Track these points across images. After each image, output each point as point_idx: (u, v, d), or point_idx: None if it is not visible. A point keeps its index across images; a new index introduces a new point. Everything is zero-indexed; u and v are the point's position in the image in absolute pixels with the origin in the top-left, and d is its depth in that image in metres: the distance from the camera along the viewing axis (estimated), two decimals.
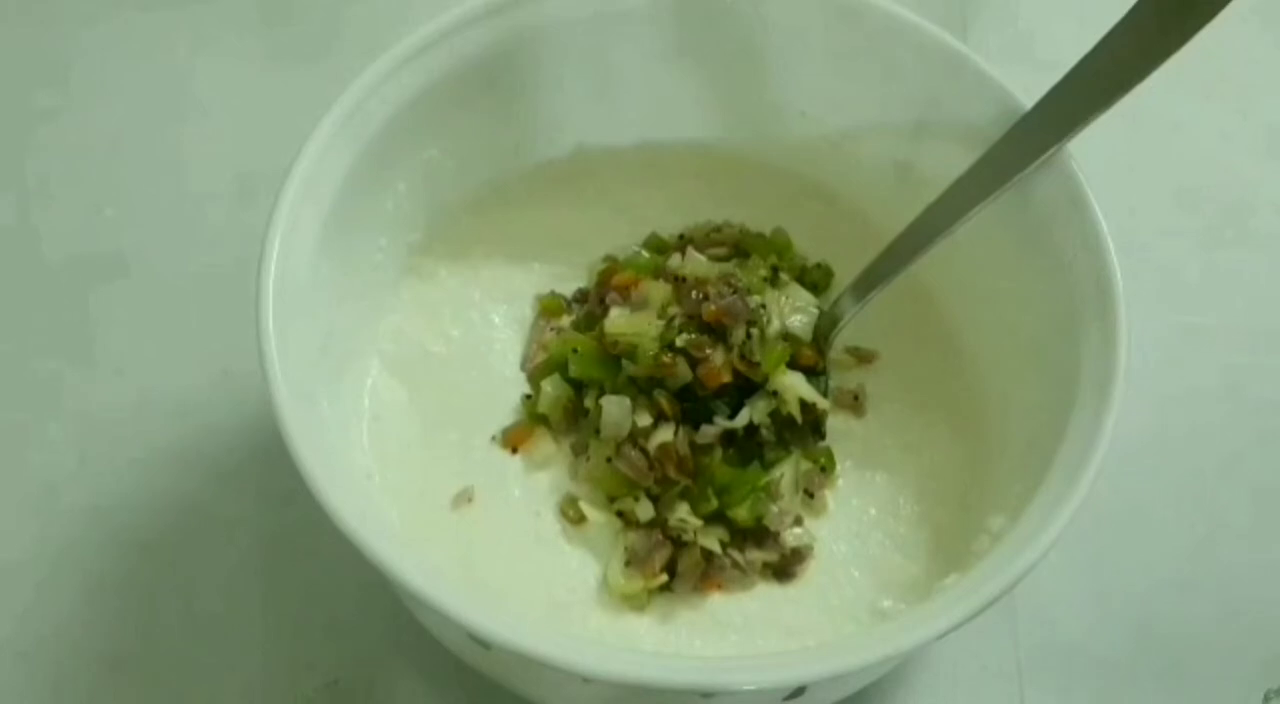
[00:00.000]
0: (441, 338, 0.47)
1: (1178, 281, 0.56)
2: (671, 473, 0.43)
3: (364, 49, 0.42)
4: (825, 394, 0.46)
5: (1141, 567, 0.49)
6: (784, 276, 0.48)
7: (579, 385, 0.45)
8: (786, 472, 0.44)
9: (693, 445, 0.43)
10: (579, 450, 0.45)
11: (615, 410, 0.43)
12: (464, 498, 0.44)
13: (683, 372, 0.44)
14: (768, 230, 0.49)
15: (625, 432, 0.43)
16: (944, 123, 0.45)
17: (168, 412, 0.50)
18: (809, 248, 0.49)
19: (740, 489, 0.43)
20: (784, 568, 0.43)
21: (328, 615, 0.47)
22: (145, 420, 0.50)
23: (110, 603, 0.47)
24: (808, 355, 0.46)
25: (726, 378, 0.44)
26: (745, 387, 0.44)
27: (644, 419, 0.43)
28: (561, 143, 0.49)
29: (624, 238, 0.49)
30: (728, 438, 0.44)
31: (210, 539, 0.48)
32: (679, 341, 0.44)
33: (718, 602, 0.43)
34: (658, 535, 0.43)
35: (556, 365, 0.46)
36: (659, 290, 0.46)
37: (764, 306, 0.45)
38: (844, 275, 0.47)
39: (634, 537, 0.43)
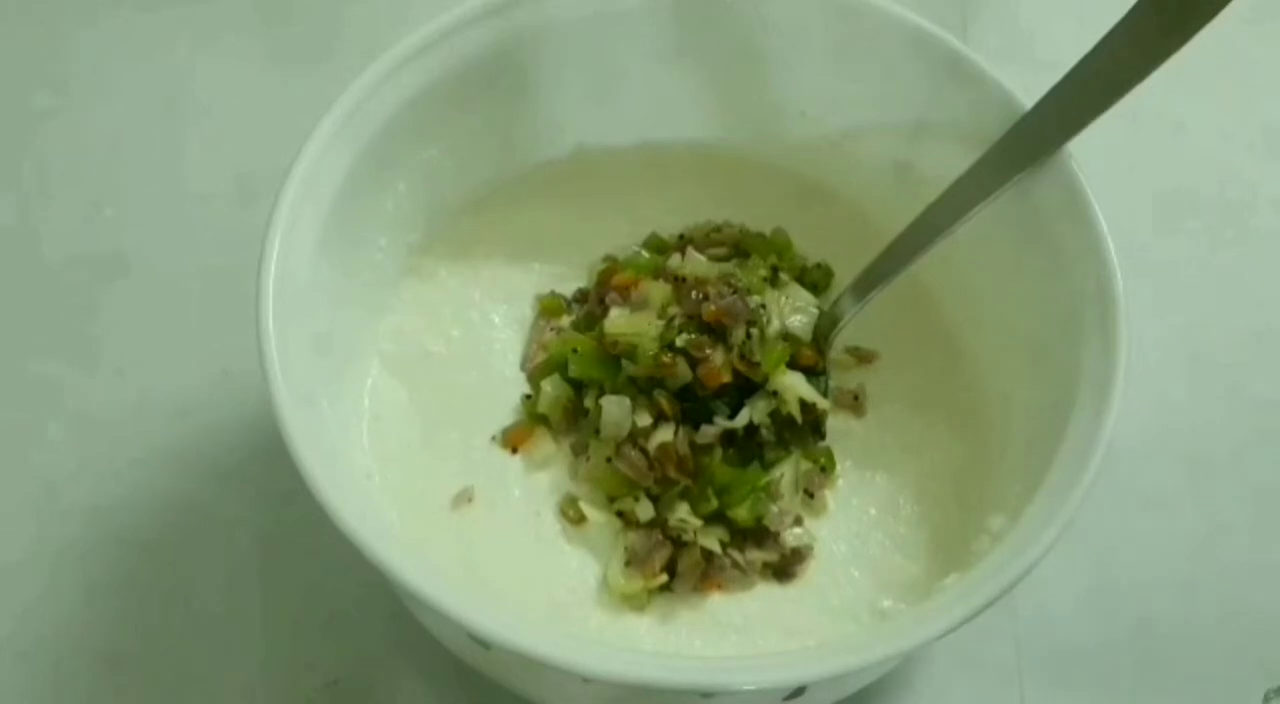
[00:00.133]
0: (441, 338, 0.47)
1: (1178, 281, 0.56)
2: (671, 473, 0.43)
3: (364, 49, 0.42)
4: (825, 394, 0.46)
5: (1141, 566, 0.49)
6: (784, 276, 0.48)
7: (579, 385, 0.45)
8: (786, 472, 0.44)
9: (693, 445, 0.43)
10: (579, 450, 0.45)
11: (615, 410, 0.43)
12: (464, 498, 0.44)
13: (683, 372, 0.43)
14: (768, 230, 0.49)
15: (625, 432, 0.43)
16: (944, 123, 0.45)
17: (168, 412, 0.51)
18: (809, 248, 0.49)
19: (740, 489, 0.43)
20: (784, 568, 0.43)
21: (328, 615, 0.47)
22: (145, 420, 0.50)
23: (110, 602, 0.47)
24: (808, 355, 0.46)
25: (726, 378, 0.44)
26: (745, 386, 0.44)
27: (644, 419, 0.43)
28: (561, 143, 0.49)
29: (624, 238, 0.49)
30: (728, 438, 0.44)
31: (210, 539, 0.48)
32: (679, 341, 0.44)
33: (718, 602, 0.43)
34: (658, 535, 0.43)
35: (556, 365, 0.46)
36: (659, 290, 0.46)
37: (764, 306, 0.45)
38: (844, 275, 0.47)
39: (634, 537, 0.43)
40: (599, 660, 0.33)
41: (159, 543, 0.48)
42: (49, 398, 0.51)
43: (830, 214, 0.50)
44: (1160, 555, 0.49)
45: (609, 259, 0.49)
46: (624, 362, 0.44)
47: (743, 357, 0.44)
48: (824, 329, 0.46)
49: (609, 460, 0.43)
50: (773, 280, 0.47)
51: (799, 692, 0.36)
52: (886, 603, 0.42)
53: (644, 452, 0.43)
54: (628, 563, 0.42)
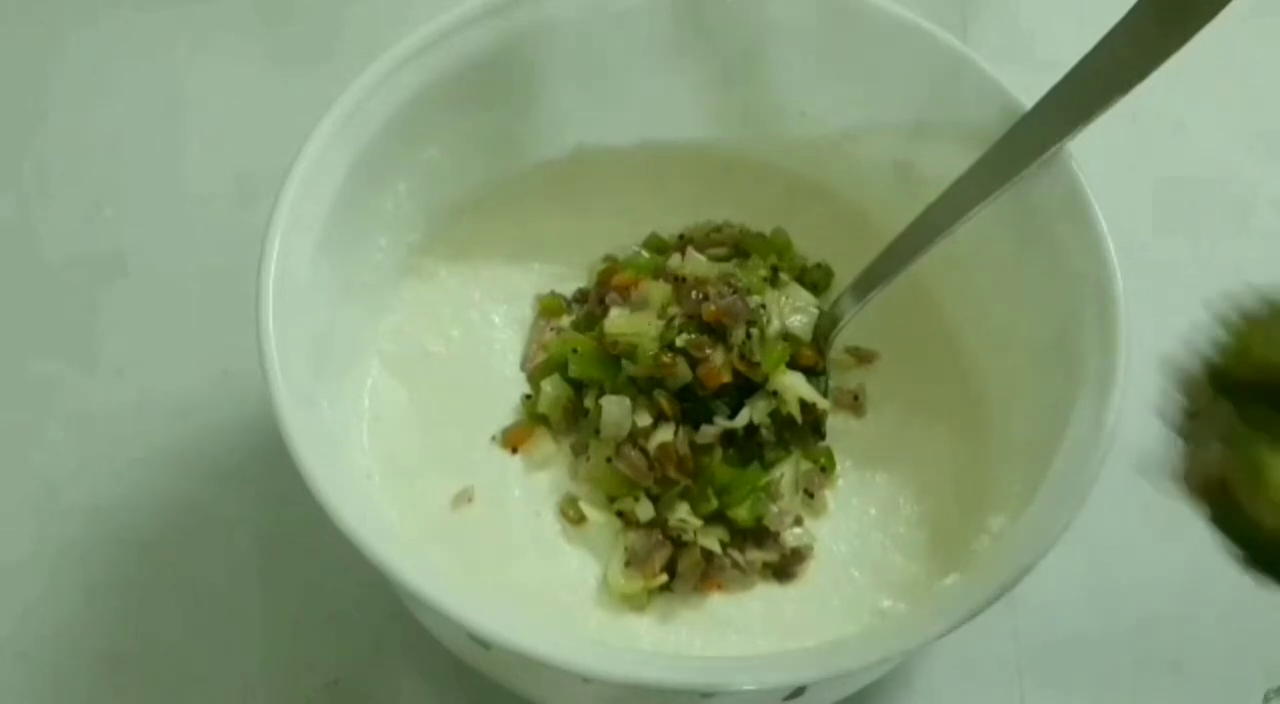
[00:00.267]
0: (441, 338, 0.47)
1: (1178, 281, 0.56)
2: (671, 473, 0.43)
3: (364, 49, 0.42)
4: (825, 394, 0.46)
5: (1141, 566, 0.49)
6: (784, 276, 0.48)
7: (579, 385, 0.45)
8: (786, 472, 0.44)
9: (693, 445, 0.43)
10: (579, 450, 0.45)
11: (615, 410, 0.43)
12: (464, 498, 0.44)
13: (683, 372, 0.43)
14: (768, 230, 0.49)
15: (625, 432, 0.43)
16: (944, 123, 0.45)
17: (168, 412, 0.51)
18: (809, 248, 0.49)
19: (740, 489, 0.43)
20: (784, 568, 0.43)
21: (328, 615, 0.47)
22: (145, 420, 0.50)
23: (110, 602, 0.47)
24: (808, 355, 0.46)
25: (726, 378, 0.44)
26: (745, 386, 0.44)
27: (644, 419, 0.43)
28: (561, 143, 0.49)
29: (624, 238, 0.49)
30: (728, 438, 0.44)
31: (210, 539, 0.48)
32: (679, 342, 0.44)
33: (718, 602, 0.43)
34: (658, 535, 0.43)
35: (556, 365, 0.46)
36: (659, 290, 0.46)
37: (764, 306, 0.45)
38: (844, 275, 0.47)
39: (634, 537, 0.43)
40: (599, 660, 0.33)
41: (159, 543, 0.48)
42: (49, 398, 0.51)
43: (830, 214, 0.50)
44: (1160, 555, 0.49)
45: (609, 259, 0.49)
46: (624, 361, 0.44)
47: (743, 356, 0.44)
48: (824, 329, 0.46)
49: (609, 460, 0.43)
50: (773, 280, 0.47)
51: (799, 692, 0.36)
52: (886, 603, 0.42)
53: (644, 452, 0.43)
54: (628, 563, 0.42)
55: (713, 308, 0.44)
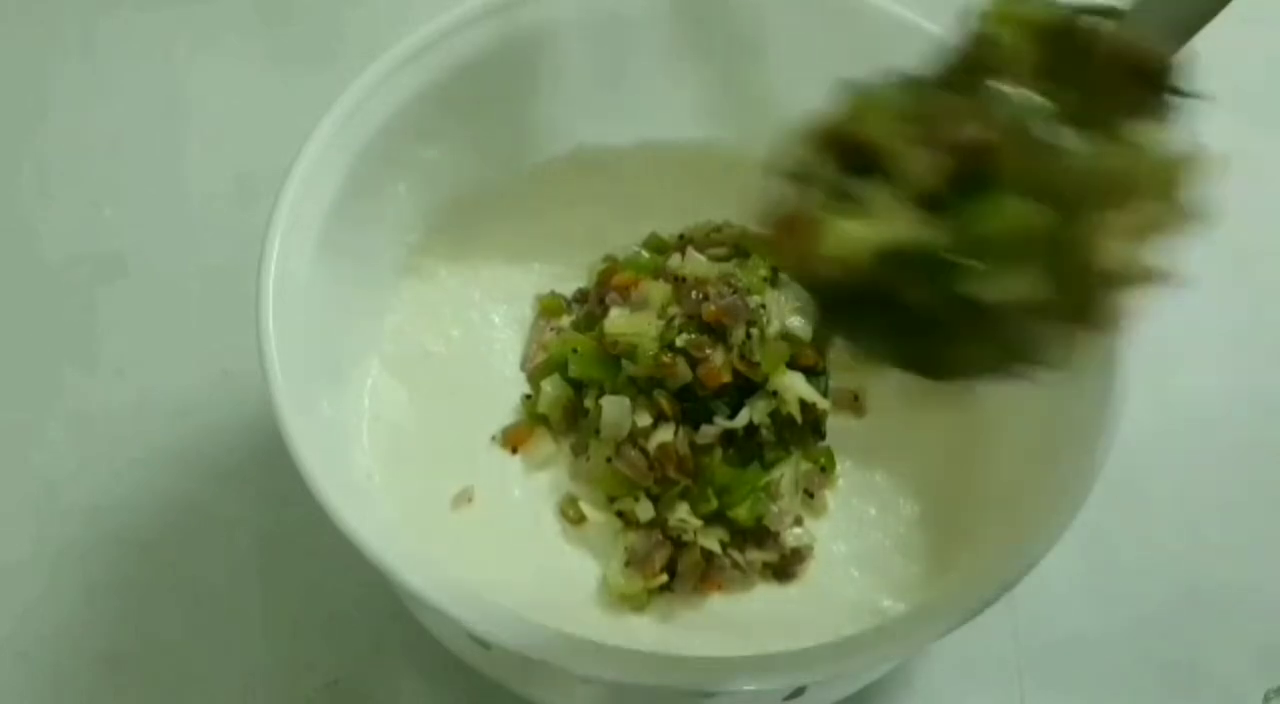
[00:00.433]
0: (441, 338, 0.47)
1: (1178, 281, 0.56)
2: (671, 473, 0.43)
3: (364, 50, 0.42)
4: (825, 394, 0.46)
5: (1142, 566, 0.49)
6: (784, 276, 0.47)
7: (579, 385, 0.45)
8: (786, 472, 0.44)
9: (693, 445, 0.43)
10: (579, 450, 0.45)
11: (615, 410, 0.43)
12: (464, 498, 0.44)
13: (683, 372, 0.43)
14: None
15: (625, 432, 0.43)
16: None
17: (168, 412, 0.51)
18: None
19: (740, 489, 0.43)
20: (784, 568, 0.43)
21: (328, 615, 0.47)
22: (145, 420, 0.50)
23: (110, 602, 0.47)
24: (808, 355, 0.45)
25: (726, 378, 0.44)
26: (745, 386, 0.44)
27: (644, 419, 0.43)
28: (561, 143, 0.49)
29: (624, 238, 0.49)
30: (728, 438, 0.44)
31: (210, 539, 0.48)
32: (679, 342, 0.44)
33: (718, 602, 0.43)
34: (658, 535, 0.43)
35: (556, 365, 0.45)
36: (659, 290, 0.46)
37: (764, 306, 0.45)
38: None
39: (634, 537, 0.43)
40: (599, 660, 0.33)
41: (159, 543, 0.48)
42: (49, 398, 0.51)
43: None
44: (1160, 555, 0.49)
45: (609, 259, 0.48)
46: (624, 362, 0.44)
47: (743, 357, 0.44)
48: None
49: (609, 460, 0.43)
50: (773, 280, 0.47)
51: (799, 692, 0.36)
52: (886, 603, 0.42)
53: (644, 452, 0.43)
54: (628, 563, 0.42)
55: (713, 308, 0.44)
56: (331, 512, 0.34)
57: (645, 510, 0.43)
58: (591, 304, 0.47)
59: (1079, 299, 0.27)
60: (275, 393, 0.36)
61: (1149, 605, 0.48)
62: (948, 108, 0.28)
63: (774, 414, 0.44)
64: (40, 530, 0.48)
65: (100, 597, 0.47)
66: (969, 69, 0.29)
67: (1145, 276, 0.29)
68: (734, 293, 0.45)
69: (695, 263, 0.47)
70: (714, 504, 0.43)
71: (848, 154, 0.29)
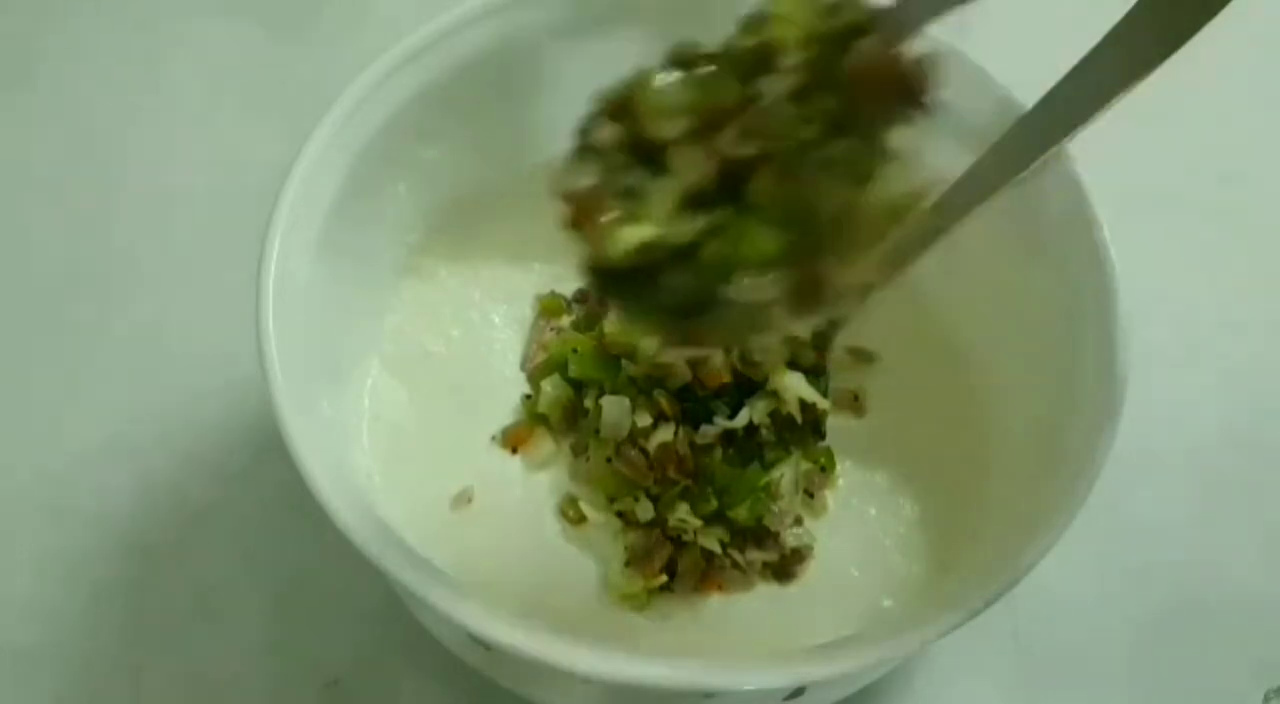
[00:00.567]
0: (441, 338, 0.47)
1: (1179, 280, 0.56)
2: (671, 473, 0.43)
3: (366, 49, 0.42)
4: (825, 394, 0.46)
5: (1142, 566, 0.49)
6: None
7: (579, 385, 0.45)
8: (786, 472, 0.44)
9: (693, 445, 0.43)
10: (579, 450, 0.45)
11: (615, 410, 0.43)
12: (464, 498, 0.44)
13: (682, 371, 0.43)
14: None
15: (625, 432, 0.43)
16: (944, 123, 0.45)
17: (168, 412, 0.50)
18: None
19: (740, 489, 0.43)
20: (784, 568, 0.43)
21: (328, 615, 0.47)
22: (145, 420, 0.50)
23: (109, 603, 0.47)
24: (808, 355, 0.46)
25: (726, 378, 0.44)
26: (745, 386, 0.44)
27: (644, 419, 0.43)
28: (561, 143, 0.49)
29: None
30: (728, 438, 0.44)
31: (210, 540, 0.48)
32: None
33: (718, 602, 0.43)
34: (658, 536, 0.43)
35: (556, 365, 0.46)
36: None
37: None
38: None
39: (634, 537, 0.43)
40: (599, 660, 0.33)
41: (158, 543, 0.48)
42: (49, 398, 0.51)
43: None
44: (1161, 555, 0.49)
45: None
46: (624, 361, 0.44)
47: (742, 356, 0.44)
48: (824, 329, 0.46)
49: (609, 460, 0.43)
50: None
51: (799, 692, 0.36)
52: (886, 603, 0.42)
53: (644, 452, 0.43)
54: (628, 563, 0.42)
55: None
56: (331, 512, 0.34)
57: (645, 510, 0.43)
58: (591, 304, 0.47)
59: (809, 297, 0.32)
60: (275, 393, 0.36)
61: (1149, 605, 0.48)
62: (720, 110, 0.32)
63: (774, 414, 0.44)
64: (40, 532, 0.48)
65: (99, 598, 0.47)
66: (752, 57, 0.33)
67: (868, 287, 0.34)
68: None
69: None
70: (714, 504, 0.43)
71: (634, 141, 0.33)
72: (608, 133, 0.34)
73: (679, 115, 0.33)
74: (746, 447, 0.44)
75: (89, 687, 0.45)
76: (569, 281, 0.49)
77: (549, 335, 0.47)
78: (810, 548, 0.44)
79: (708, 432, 0.44)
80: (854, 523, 0.44)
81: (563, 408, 0.45)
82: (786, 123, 0.32)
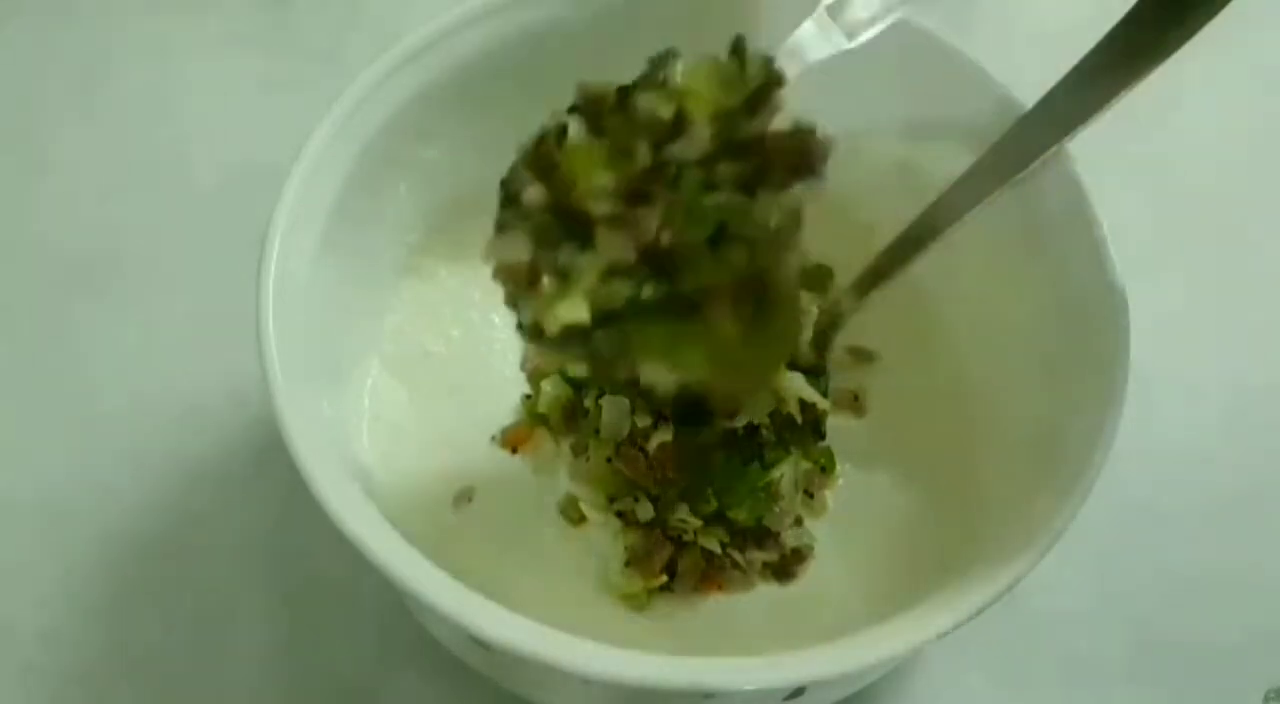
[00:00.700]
0: (441, 338, 0.47)
1: (1179, 280, 0.56)
2: (671, 473, 0.43)
3: (367, 49, 0.42)
4: (825, 394, 0.46)
5: (1142, 566, 0.49)
6: None
7: (579, 385, 0.45)
8: (786, 472, 0.44)
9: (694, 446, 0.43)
10: (579, 450, 0.45)
11: (615, 411, 0.43)
12: (464, 498, 0.44)
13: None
14: None
15: (625, 432, 0.43)
16: (944, 123, 0.45)
17: (168, 412, 0.51)
18: (809, 248, 0.49)
19: (740, 489, 0.43)
20: (784, 568, 0.43)
21: (328, 616, 0.47)
22: (145, 421, 0.50)
23: (109, 604, 0.47)
24: (807, 355, 0.46)
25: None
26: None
27: (644, 420, 0.43)
28: None
29: None
30: (728, 438, 0.44)
31: (210, 540, 0.48)
32: None
33: (718, 602, 0.43)
34: (658, 536, 0.43)
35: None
36: None
37: None
38: (844, 275, 0.47)
39: (634, 537, 0.43)
40: (599, 661, 0.33)
41: (158, 544, 0.48)
42: (49, 399, 0.51)
43: (830, 214, 0.50)
44: (1160, 555, 0.49)
45: None
46: None
47: None
48: (824, 329, 0.46)
49: (609, 460, 0.43)
50: None
51: (799, 692, 0.36)
52: (886, 603, 0.42)
53: (644, 452, 0.43)
54: (627, 563, 0.42)
55: None
56: (331, 512, 0.34)
57: (645, 511, 0.43)
58: None
59: (727, 386, 0.36)
60: (275, 393, 0.36)
61: (1149, 605, 0.48)
62: (637, 178, 0.35)
63: (774, 414, 0.44)
64: (39, 533, 0.48)
65: (99, 599, 0.47)
66: (664, 126, 0.36)
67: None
68: None
69: None
70: (714, 504, 0.43)
71: (557, 205, 0.36)
72: (533, 194, 0.36)
73: (601, 192, 0.35)
74: (746, 447, 0.44)
75: (85, 686, 0.45)
76: None
77: None
78: (811, 548, 0.44)
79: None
80: (854, 523, 0.44)
81: (562, 408, 0.45)
82: (697, 199, 0.35)
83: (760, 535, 0.43)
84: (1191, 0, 0.38)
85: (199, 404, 0.51)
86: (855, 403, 0.47)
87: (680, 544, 0.43)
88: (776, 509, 0.44)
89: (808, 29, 0.40)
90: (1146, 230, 0.56)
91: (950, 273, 0.46)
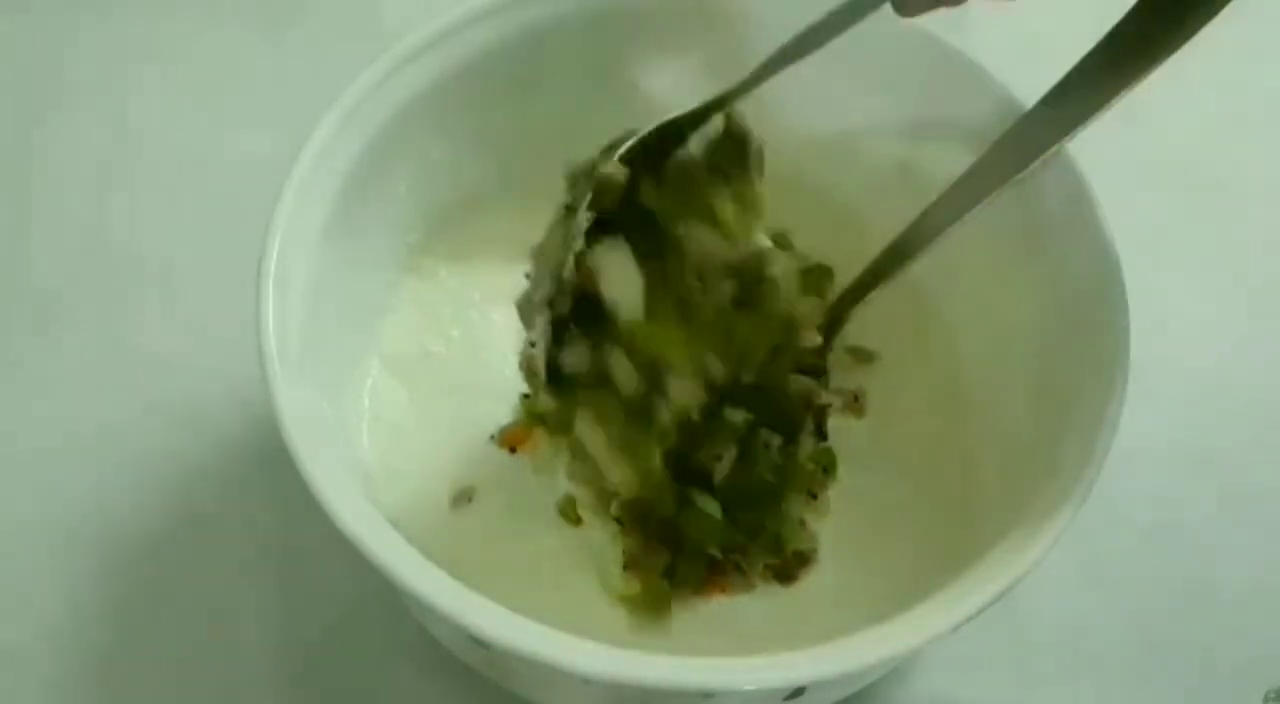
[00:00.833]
0: (441, 338, 0.47)
1: (1180, 281, 0.56)
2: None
3: (368, 49, 0.42)
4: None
5: (1142, 566, 0.49)
6: None
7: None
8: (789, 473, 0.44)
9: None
10: (577, 451, 0.45)
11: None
12: (464, 498, 0.44)
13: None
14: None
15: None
16: (944, 123, 0.45)
17: (168, 413, 0.50)
18: (809, 248, 0.49)
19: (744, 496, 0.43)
20: (786, 570, 0.43)
21: (327, 615, 0.47)
22: (145, 421, 0.50)
23: (109, 605, 0.47)
24: (808, 356, 0.45)
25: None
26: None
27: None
28: (562, 143, 0.49)
29: None
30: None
31: (210, 541, 0.48)
32: None
33: (718, 603, 0.43)
34: (654, 543, 0.43)
35: None
36: None
37: None
38: (844, 275, 0.47)
39: (632, 541, 0.43)
40: (599, 661, 0.33)
41: (158, 545, 0.48)
42: (49, 399, 0.51)
43: (830, 214, 0.50)
44: (1160, 555, 0.49)
45: None
46: None
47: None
48: (824, 329, 0.46)
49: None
50: None
51: (799, 692, 0.36)
52: (887, 603, 0.42)
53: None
54: (626, 565, 0.42)
55: None
56: (331, 512, 0.34)
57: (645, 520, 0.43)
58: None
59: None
60: (275, 393, 0.36)
61: (1149, 606, 0.48)
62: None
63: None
64: (39, 532, 0.48)
65: (99, 599, 0.47)
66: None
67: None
68: None
69: None
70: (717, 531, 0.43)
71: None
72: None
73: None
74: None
75: (84, 686, 0.45)
76: None
77: None
78: (814, 550, 0.43)
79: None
80: (854, 523, 0.44)
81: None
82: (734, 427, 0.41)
83: (764, 539, 0.43)
84: (1191, 0, 0.38)
85: (199, 405, 0.51)
86: (855, 403, 0.47)
87: (680, 548, 0.43)
88: (781, 512, 0.43)
89: None
90: (1147, 230, 0.56)
91: (950, 273, 0.46)
